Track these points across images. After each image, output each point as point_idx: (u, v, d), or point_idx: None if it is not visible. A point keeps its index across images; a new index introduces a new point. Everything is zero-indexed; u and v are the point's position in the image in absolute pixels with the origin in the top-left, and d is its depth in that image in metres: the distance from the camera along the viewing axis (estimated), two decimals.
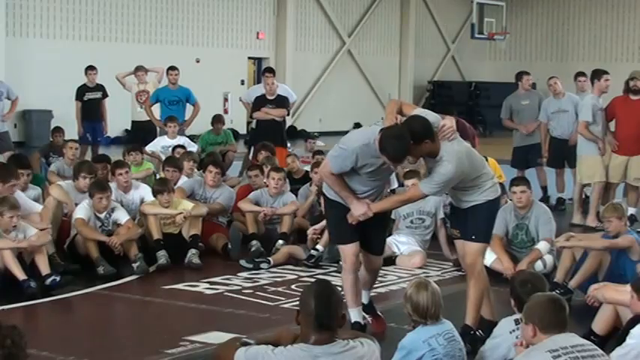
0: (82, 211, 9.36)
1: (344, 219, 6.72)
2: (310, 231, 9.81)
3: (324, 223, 9.63)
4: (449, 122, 6.48)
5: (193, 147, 13.85)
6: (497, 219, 9.28)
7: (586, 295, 7.28)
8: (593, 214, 12.03)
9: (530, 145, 14.13)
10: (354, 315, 6.88)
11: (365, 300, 7.11)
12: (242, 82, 27.30)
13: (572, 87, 14.50)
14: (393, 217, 10.31)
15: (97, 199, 9.37)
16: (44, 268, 8.41)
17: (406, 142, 6.21)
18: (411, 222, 10.05)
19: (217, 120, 15.12)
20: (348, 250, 6.76)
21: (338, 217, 6.79)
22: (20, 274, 8.16)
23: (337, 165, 6.58)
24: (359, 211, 6.60)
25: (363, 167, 6.53)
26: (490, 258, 9.13)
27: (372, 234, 6.88)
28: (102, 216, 9.46)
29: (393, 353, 5.43)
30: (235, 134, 17.44)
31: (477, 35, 30.99)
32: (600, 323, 6.51)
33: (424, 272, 9.30)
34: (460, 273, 9.47)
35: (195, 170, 11.85)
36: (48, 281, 8.33)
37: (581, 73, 14.49)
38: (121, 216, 9.51)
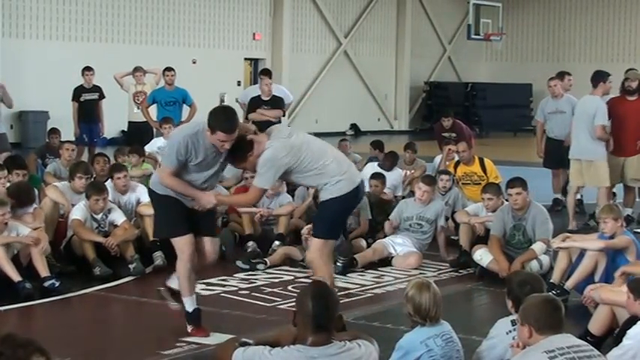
0: (78, 212, 9.35)
1: (175, 211, 6.81)
2: (304, 231, 9.65)
3: None
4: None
5: None
6: (495, 219, 9.32)
7: (582, 295, 7.29)
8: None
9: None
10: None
11: (190, 307, 6.99)
12: (238, 83, 27.29)
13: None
14: (392, 218, 10.30)
15: (94, 200, 9.35)
16: (43, 270, 8.38)
17: (233, 112, 6.84)
18: (410, 225, 10.05)
19: None
20: (185, 242, 6.84)
21: (169, 210, 6.85)
22: (15, 275, 8.14)
23: (172, 160, 6.66)
24: (209, 203, 6.78)
25: (194, 157, 6.64)
26: (487, 259, 9.15)
27: (201, 215, 6.90)
28: (98, 217, 9.45)
29: (391, 354, 5.42)
30: None
31: (473, 36, 30.99)
32: (596, 324, 6.51)
33: (420, 273, 9.29)
34: (457, 274, 9.49)
35: None
36: (46, 284, 8.30)
37: (567, 73, 14.33)
38: (118, 217, 9.50)
